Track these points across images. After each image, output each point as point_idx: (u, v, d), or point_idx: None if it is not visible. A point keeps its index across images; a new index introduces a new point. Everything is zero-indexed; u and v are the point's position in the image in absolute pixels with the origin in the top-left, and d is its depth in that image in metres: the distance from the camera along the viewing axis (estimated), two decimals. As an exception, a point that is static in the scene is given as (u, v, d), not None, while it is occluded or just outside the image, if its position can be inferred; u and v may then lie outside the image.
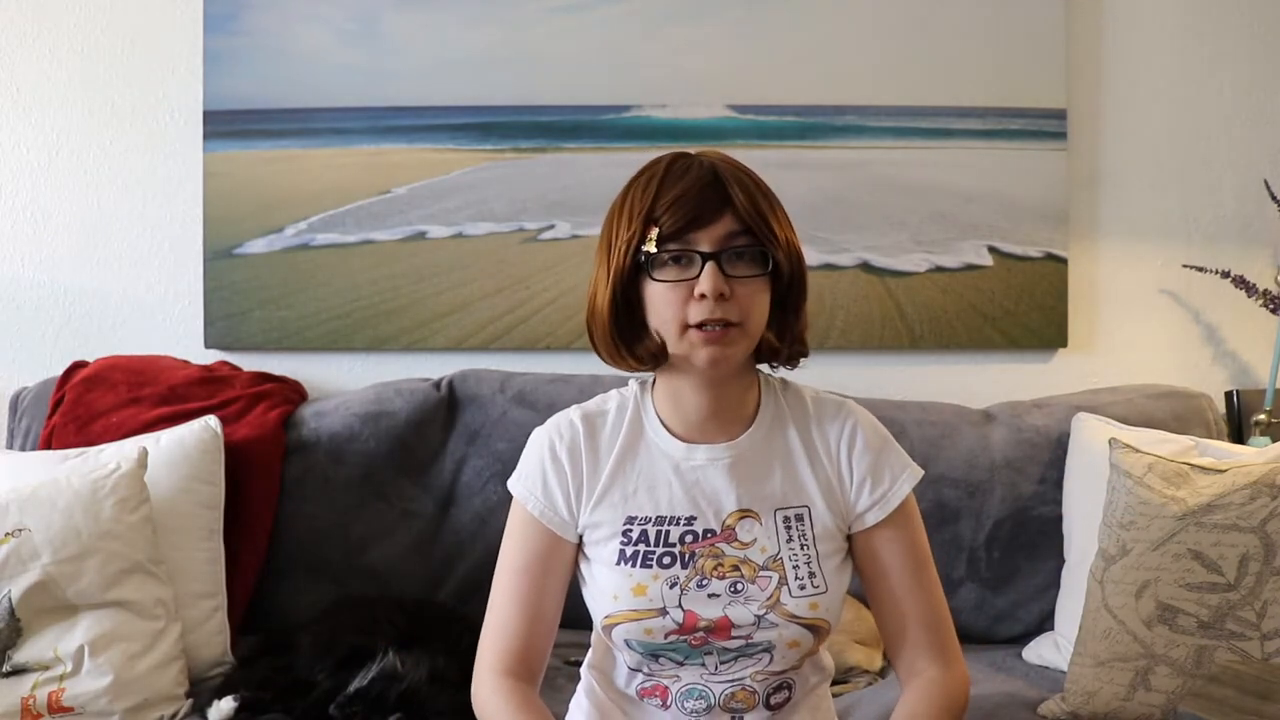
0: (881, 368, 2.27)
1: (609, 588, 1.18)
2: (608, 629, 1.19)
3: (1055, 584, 1.96)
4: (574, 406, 1.26)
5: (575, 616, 1.28)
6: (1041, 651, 1.88)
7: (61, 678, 1.56)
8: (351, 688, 1.56)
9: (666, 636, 1.16)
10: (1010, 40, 2.25)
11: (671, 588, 1.16)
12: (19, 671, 1.56)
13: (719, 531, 1.18)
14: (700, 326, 1.11)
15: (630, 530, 1.19)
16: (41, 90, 2.22)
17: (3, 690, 1.54)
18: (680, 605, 1.16)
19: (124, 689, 1.58)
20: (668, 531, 1.18)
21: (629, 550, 1.18)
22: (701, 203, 1.11)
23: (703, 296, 1.10)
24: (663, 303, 1.13)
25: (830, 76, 2.24)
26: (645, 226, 1.11)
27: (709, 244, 1.11)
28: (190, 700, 1.66)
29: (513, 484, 1.25)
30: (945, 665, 1.20)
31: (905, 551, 1.22)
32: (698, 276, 1.10)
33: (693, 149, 1.18)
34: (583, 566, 1.24)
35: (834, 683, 1.75)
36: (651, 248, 1.11)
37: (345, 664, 1.61)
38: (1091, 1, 2.29)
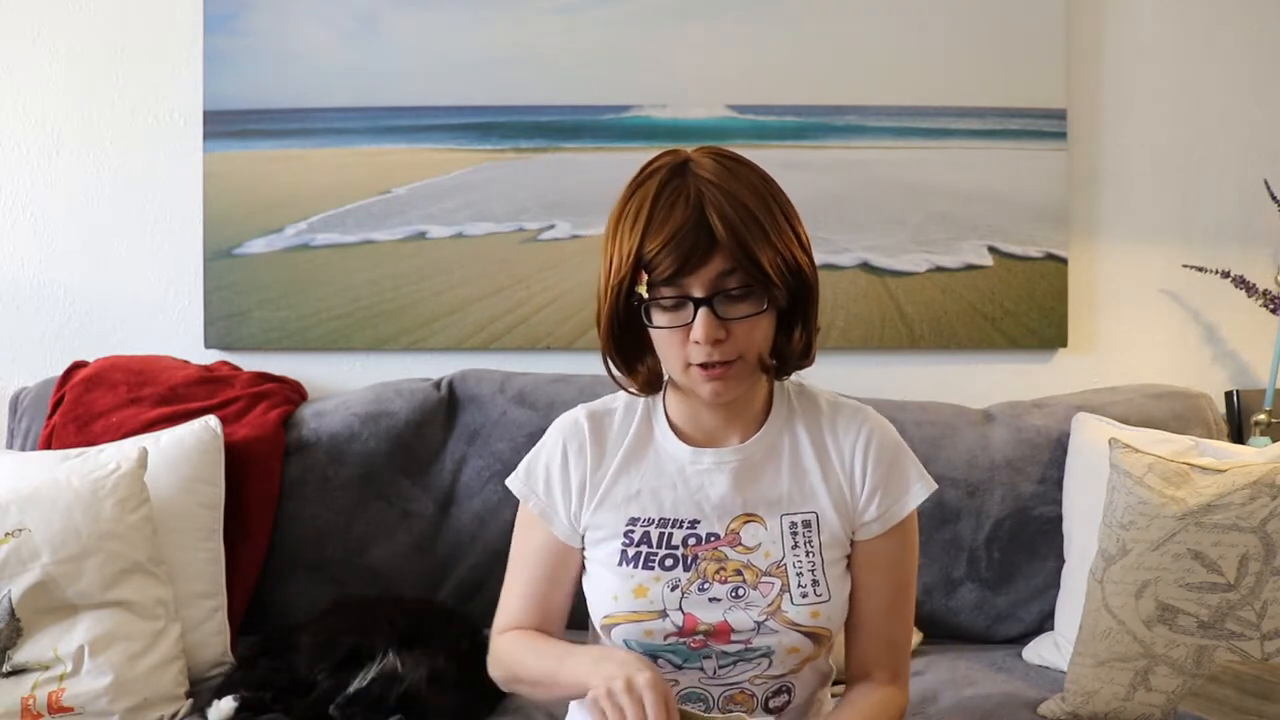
0: (881, 368, 2.26)
1: (609, 588, 1.18)
2: (606, 629, 1.19)
3: (1055, 584, 1.96)
4: (581, 406, 1.26)
5: (575, 616, 1.28)
6: (1041, 651, 1.88)
7: (61, 678, 1.56)
8: (351, 688, 1.56)
9: (666, 639, 1.16)
10: (1010, 40, 2.25)
11: (672, 590, 1.16)
12: (19, 671, 1.55)
13: (722, 535, 1.18)
14: (701, 366, 1.10)
15: (632, 531, 1.19)
16: (41, 90, 2.22)
17: (3, 690, 1.54)
18: (680, 608, 1.15)
19: (124, 689, 1.58)
20: (670, 534, 1.18)
21: (630, 551, 1.18)
22: (690, 247, 1.06)
23: (698, 342, 1.09)
24: (662, 344, 1.13)
25: (830, 76, 2.24)
26: (635, 271, 1.09)
27: (701, 288, 1.08)
28: (190, 700, 1.66)
29: (512, 482, 1.26)
30: (896, 685, 1.23)
31: (895, 568, 1.22)
32: (693, 320, 1.08)
33: (690, 149, 1.14)
34: (583, 566, 1.24)
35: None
36: (644, 292, 1.09)
37: (345, 664, 1.61)
38: (1091, 1, 2.29)
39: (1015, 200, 2.25)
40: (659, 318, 1.11)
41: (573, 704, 1.32)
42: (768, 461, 1.20)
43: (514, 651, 1.22)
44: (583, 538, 1.23)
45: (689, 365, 1.11)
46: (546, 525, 1.23)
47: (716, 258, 1.07)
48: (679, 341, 1.10)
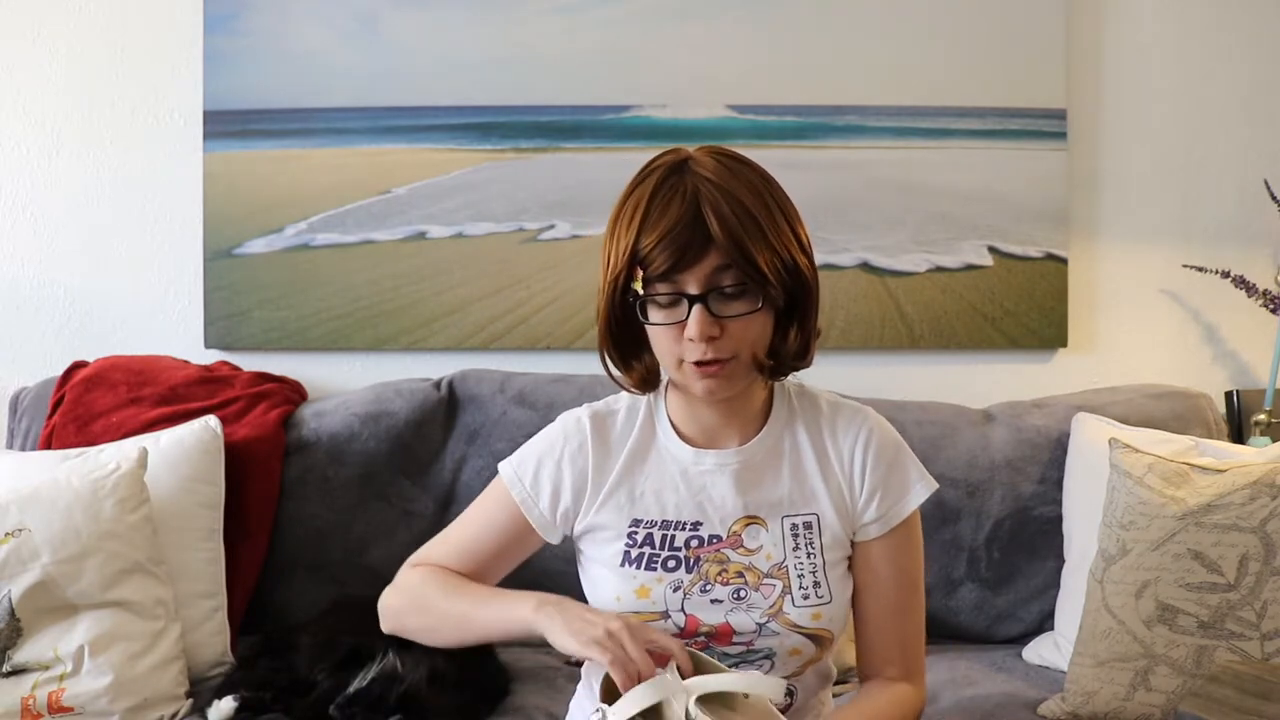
0: (881, 368, 2.26)
1: (611, 589, 1.18)
2: None
3: (1055, 584, 1.96)
4: (585, 405, 1.26)
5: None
6: (1041, 651, 1.88)
7: (61, 678, 1.56)
8: (351, 688, 1.56)
9: None
10: (1010, 40, 2.25)
11: (675, 591, 1.16)
12: (19, 671, 1.55)
13: (725, 537, 1.18)
14: (695, 363, 1.10)
15: (635, 533, 1.19)
16: (41, 90, 2.22)
17: (3, 690, 1.54)
18: (683, 609, 1.16)
19: (124, 689, 1.58)
20: (673, 536, 1.18)
21: (634, 552, 1.18)
22: (685, 243, 1.06)
23: (692, 339, 1.09)
24: (657, 341, 1.13)
25: (830, 76, 2.24)
26: (631, 267, 1.09)
27: (695, 285, 1.08)
28: (190, 700, 1.66)
29: (504, 465, 1.27)
30: (911, 685, 1.24)
31: (899, 569, 1.22)
32: (687, 317, 1.08)
33: (693, 148, 1.15)
34: (584, 566, 1.25)
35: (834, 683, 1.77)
36: (639, 288, 1.09)
37: (345, 664, 1.61)
38: (1091, 1, 2.29)
39: (1015, 200, 2.25)
40: (654, 314, 1.11)
41: (573, 704, 1.33)
42: (769, 463, 1.20)
43: (430, 583, 1.22)
44: (575, 537, 1.24)
45: (683, 362, 1.11)
46: (519, 513, 1.23)
47: (711, 254, 1.07)
48: (674, 338, 1.10)
